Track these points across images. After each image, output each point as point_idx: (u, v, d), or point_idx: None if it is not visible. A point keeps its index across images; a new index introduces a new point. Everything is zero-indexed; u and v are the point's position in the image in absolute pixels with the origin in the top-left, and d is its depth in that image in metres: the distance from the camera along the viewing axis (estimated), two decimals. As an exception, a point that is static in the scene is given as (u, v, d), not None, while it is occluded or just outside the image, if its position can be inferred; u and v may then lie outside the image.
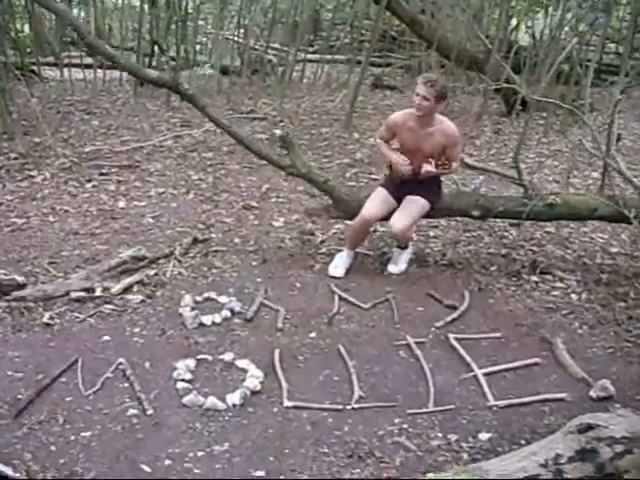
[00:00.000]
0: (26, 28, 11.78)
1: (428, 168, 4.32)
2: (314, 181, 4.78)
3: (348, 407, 3.19)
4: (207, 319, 3.86)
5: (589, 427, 2.58)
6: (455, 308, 4.15)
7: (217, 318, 3.89)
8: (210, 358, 3.53)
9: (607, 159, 4.71)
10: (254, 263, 4.69)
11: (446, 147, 4.39)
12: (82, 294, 4.06)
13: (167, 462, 2.81)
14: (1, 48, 8.23)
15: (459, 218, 5.35)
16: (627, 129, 8.67)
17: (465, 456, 2.90)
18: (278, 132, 4.64)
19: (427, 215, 4.65)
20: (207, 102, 4.94)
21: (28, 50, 11.02)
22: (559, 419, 3.12)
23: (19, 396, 3.15)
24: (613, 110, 4.71)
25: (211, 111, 4.89)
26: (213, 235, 5.12)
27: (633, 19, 9.21)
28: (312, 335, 3.81)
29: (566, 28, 9.30)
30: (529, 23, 11.66)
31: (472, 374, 3.48)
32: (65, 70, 9.97)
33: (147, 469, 2.77)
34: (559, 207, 4.58)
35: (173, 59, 10.30)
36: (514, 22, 11.59)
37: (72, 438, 2.91)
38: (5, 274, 4.17)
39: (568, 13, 9.25)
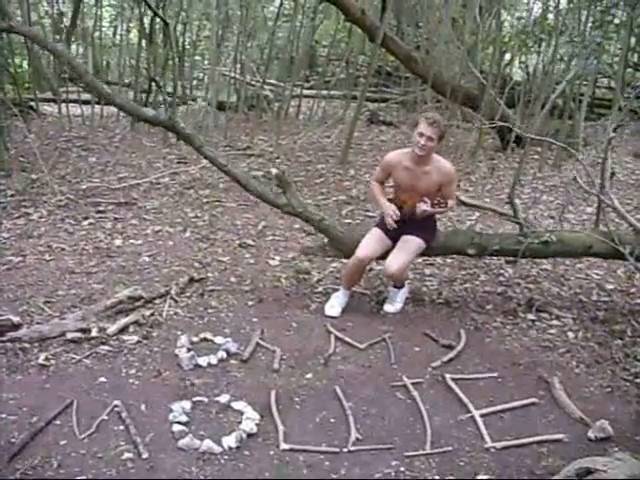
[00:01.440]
0: (25, 64, 11.90)
1: (424, 207, 4.33)
2: (310, 220, 4.80)
3: (345, 450, 3.17)
4: (203, 360, 3.84)
5: (588, 471, 2.57)
6: (451, 347, 4.14)
7: (213, 359, 3.87)
8: (206, 400, 3.50)
9: (601, 196, 4.73)
10: (250, 303, 4.69)
11: (442, 185, 4.41)
12: (78, 335, 4.04)
13: (162, 508, 2.79)
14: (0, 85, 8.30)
15: (455, 256, 5.36)
16: (620, 163, 8.74)
17: (463, 500, 2.89)
18: (274, 171, 4.67)
19: (422, 254, 4.66)
20: (203, 141, 4.96)
21: (26, 86, 11.10)
22: (557, 461, 3.09)
23: (13, 440, 3.10)
24: (606, 148, 4.75)
25: (207, 151, 4.92)
26: (209, 274, 5.12)
27: (624, 55, 9.33)
28: (308, 376, 3.79)
29: (558, 65, 9.43)
30: (523, 58, 11.80)
31: (469, 415, 3.46)
32: (63, 106, 10.05)
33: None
34: (554, 245, 4.61)
35: (170, 95, 10.39)
36: (508, 57, 11.75)
37: (66, 483, 2.88)
38: (0, 314, 4.15)
39: (561, 49, 9.38)
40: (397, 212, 4.44)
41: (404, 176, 4.47)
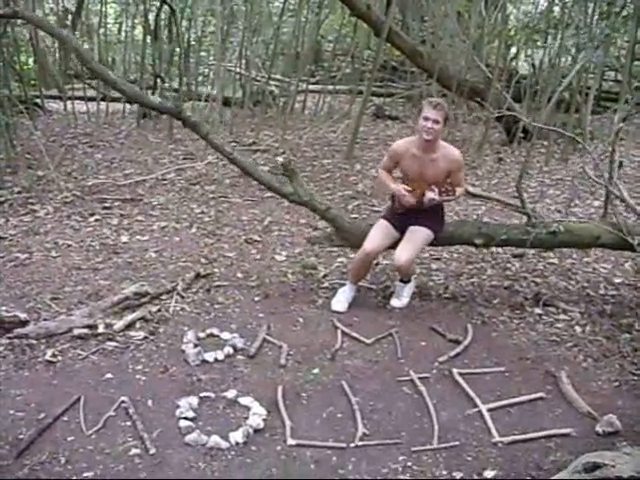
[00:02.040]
0: (30, 61, 11.91)
1: (432, 195, 4.30)
2: (316, 209, 4.78)
3: (352, 445, 3.16)
4: (210, 356, 3.85)
5: (595, 466, 2.56)
6: (458, 342, 4.13)
7: (220, 355, 3.87)
8: (213, 395, 3.50)
9: (610, 187, 4.70)
10: (256, 298, 4.68)
11: (450, 172, 4.37)
12: (85, 331, 4.05)
13: (169, 504, 2.79)
14: (5, 82, 8.30)
15: (462, 249, 5.35)
16: (628, 156, 8.69)
17: (470, 495, 2.88)
18: (280, 159, 4.66)
19: (430, 244, 4.63)
20: (209, 129, 4.94)
21: (32, 83, 11.11)
22: (565, 455, 3.08)
23: (20, 436, 3.11)
24: (614, 138, 4.72)
25: (214, 138, 4.90)
26: (216, 270, 5.12)
27: (631, 47, 9.27)
28: (315, 371, 3.78)
29: (564, 58, 9.38)
30: (529, 52, 11.75)
31: (476, 409, 3.45)
32: (68, 103, 10.06)
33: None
34: (562, 235, 4.58)
35: (176, 91, 10.40)
36: (513, 51, 11.71)
37: (74, 479, 2.88)
38: (7, 311, 4.18)
39: (567, 42, 9.33)
40: (407, 188, 4.41)
41: (412, 164, 4.43)
